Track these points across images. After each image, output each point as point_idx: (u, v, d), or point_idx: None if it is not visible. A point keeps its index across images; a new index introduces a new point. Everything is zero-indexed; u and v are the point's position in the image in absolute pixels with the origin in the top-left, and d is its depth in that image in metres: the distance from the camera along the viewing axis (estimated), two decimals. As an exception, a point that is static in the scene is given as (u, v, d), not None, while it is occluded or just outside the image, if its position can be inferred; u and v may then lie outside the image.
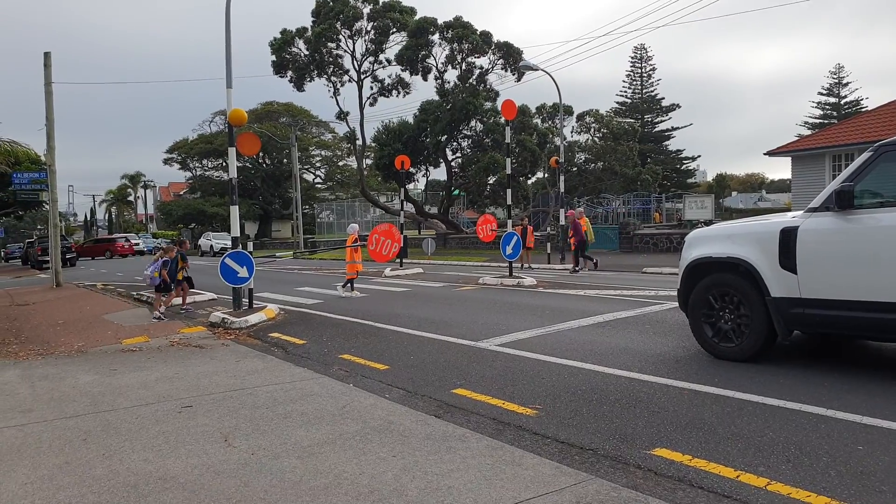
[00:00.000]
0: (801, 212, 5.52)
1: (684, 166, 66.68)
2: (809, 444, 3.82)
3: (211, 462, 3.90)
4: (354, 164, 49.46)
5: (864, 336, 5.57)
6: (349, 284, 13.16)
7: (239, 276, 9.97)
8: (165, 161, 62.75)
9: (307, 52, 35.51)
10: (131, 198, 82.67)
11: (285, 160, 54.84)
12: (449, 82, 35.22)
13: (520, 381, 5.56)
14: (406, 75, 35.67)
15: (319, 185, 64.97)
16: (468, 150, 37.33)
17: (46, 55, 19.46)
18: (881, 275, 4.82)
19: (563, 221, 23.18)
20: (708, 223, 25.60)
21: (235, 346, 7.98)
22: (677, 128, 65.12)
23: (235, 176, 10.79)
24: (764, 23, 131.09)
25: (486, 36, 33.61)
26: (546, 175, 38.36)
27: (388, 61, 35.56)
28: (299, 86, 36.60)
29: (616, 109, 62.53)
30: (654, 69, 64.79)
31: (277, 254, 35.30)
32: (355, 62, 35.85)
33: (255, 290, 11.27)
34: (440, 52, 34.38)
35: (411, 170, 35.64)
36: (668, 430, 4.19)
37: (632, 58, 64.50)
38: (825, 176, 21.48)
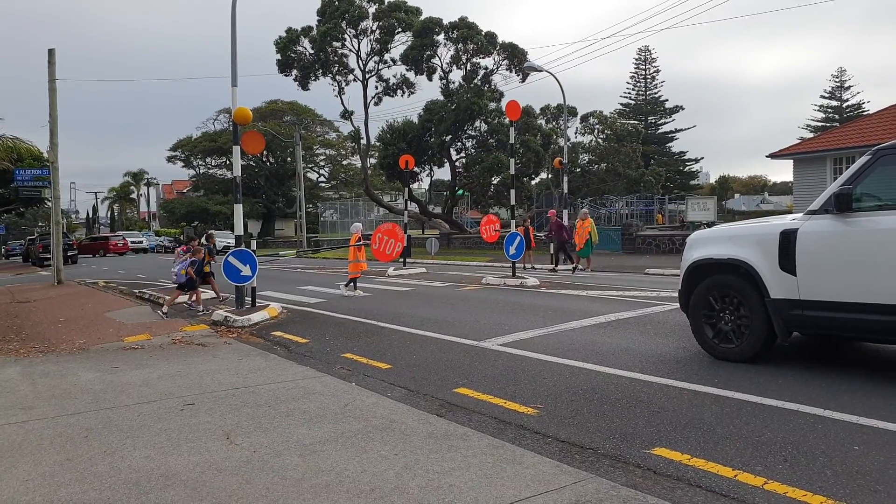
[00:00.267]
0: (801, 214, 5.54)
1: (687, 168, 66.58)
2: (806, 444, 3.85)
3: (213, 459, 3.94)
4: (358, 164, 49.54)
5: (862, 338, 5.58)
6: (352, 283, 13.20)
7: (242, 274, 10.01)
8: (169, 159, 63.06)
9: (312, 51, 35.58)
10: (134, 195, 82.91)
11: (289, 159, 54.94)
12: (454, 82, 35.28)
13: (521, 381, 5.59)
14: (411, 75, 35.75)
15: (323, 184, 65.09)
16: (472, 151, 37.37)
17: (50, 52, 19.53)
18: (879, 277, 4.84)
19: (566, 222, 23.21)
20: (710, 225, 25.57)
21: (238, 345, 8.02)
22: (681, 130, 65.06)
23: (240, 174, 10.84)
24: (767, 26, 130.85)
25: (490, 37, 33.64)
26: (550, 176, 38.39)
27: (394, 61, 35.63)
28: (304, 85, 36.68)
29: (620, 111, 62.48)
30: (658, 71, 64.73)
31: (280, 252, 35.39)
32: (360, 61, 35.94)
33: (258, 288, 11.31)
34: (445, 53, 34.46)
35: (415, 169, 35.70)
36: (667, 429, 4.22)
37: (636, 59, 64.46)
38: (826, 178, 21.45)
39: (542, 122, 37.27)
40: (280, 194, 59.24)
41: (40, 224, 63.19)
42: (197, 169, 62.85)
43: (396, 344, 7.57)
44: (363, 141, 38.52)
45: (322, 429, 4.47)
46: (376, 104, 37.12)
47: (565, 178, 23.89)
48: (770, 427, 4.16)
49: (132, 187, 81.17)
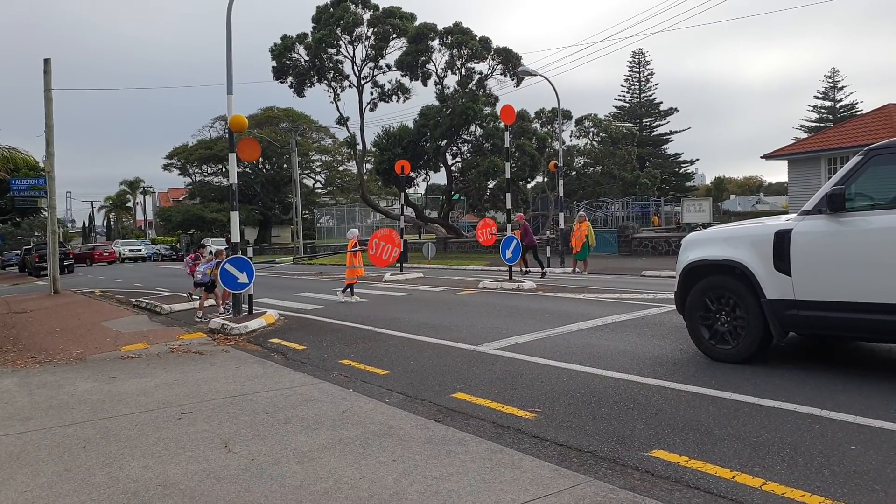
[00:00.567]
0: (795, 215, 5.57)
1: (682, 170, 66.78)
2: (804, 445, 3.86)
3: (211, 468, 3.93)
4: (354, 169, 49.57)
5: (858, 337, 5.61)
6: (349, 289, 13.20)
7: (239, 281, 10.00)
8: (165, 167, 62.93)
9: (307, 58, 35.64)
10: (130, 204, 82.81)
11: (285, 165, 54.95)
12: (449, 87, 35.37)
13: (519, 385, 5.59)
14: (406, 81, 35.83)
15: (319, 190, 65.07)
16: (468, 155, 37.44)
17: (46, 62, 19.53)
18: (873, 276, 4.86)
19: (562, 225, 23.28)
20: (706, 226, 25.63)
21: (235, 352, 8.01)
22: (675, 131, 65.27)
23: (236, 182, 10.83)
24: (761, 27, 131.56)
25: (485, 42, 33.77)
26: (545, 179, 38.48)
27: (389, 67, 35.72)
28: (299, 91, 36.73)
29: (614, 114, 62.70)
30: (652, 73, 64.98)
31: (277, 259, 35.35)
32: (355, 68, 36.02)
33: (255, 295, 11.30)
34: (440, 58, 34.57)
35: (411, 174, 35.73)
36: (665, 431, 4.23)
37: (630, 62, 64.71)
38: (821, 179, 21.56)
39: (538, 125, 37.42)
40: (276, 201, 59.19)
41: (36, 234, 63.01)
42: (193, 177, 62.75)
43: (394, 349, 7.57)
44: (359, 147, 38.56)
45: (320, 436, 4.47)
46: (372, 110, 37.21)
47: (561, 182, 23.95)
48: (767, 428, 4.18)
49: (128, 196, 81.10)
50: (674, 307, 7.02)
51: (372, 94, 36.68)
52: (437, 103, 35.45)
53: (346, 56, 35.71)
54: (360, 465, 3.85)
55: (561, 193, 23.87)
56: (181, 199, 67.46)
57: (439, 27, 33.86)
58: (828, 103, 65.53)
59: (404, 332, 8.64)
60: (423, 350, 7.44)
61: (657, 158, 62.92)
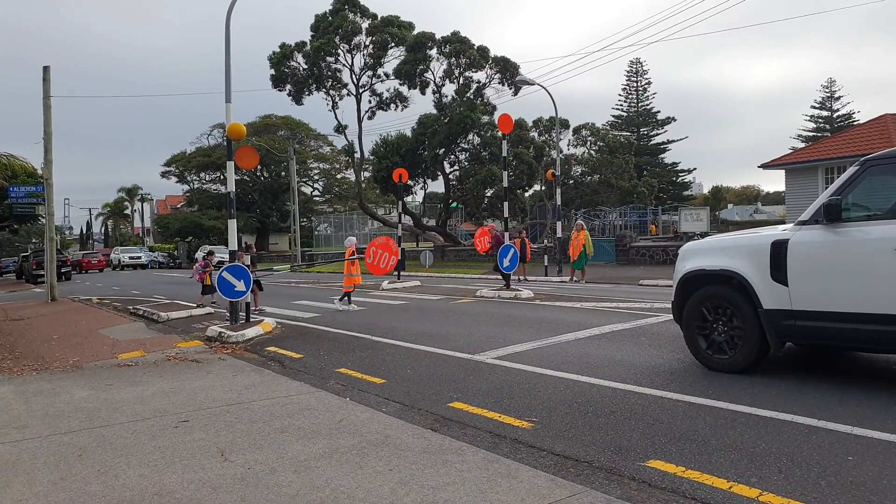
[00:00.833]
0: (792, 225, 5.59)
1: (680, 179, 67.00)
2: (801, 455, 3.86)
3: (207, 477, 3.92)
4: (352, 177, 49.68)
5: (854, 347, 5.62)
6: (346, 298, 13.19)
7: (236, 289, 9.99)
8: (163, 174, 62.96)
9: (306, 66, 35.80)
10: (128, 211, 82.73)
11: (283, 173, 55.03)
12: (447, 96, 35.53)
13: (516, 394, 5.59)
14: (404, 89, 36.00)
15: (317, 198, 65.11)
16: (466, 163, 37.55)
17: (45, 69, 19.58)
18: (869, 287, 4.88)
19: (559, 234, 23.33)
20: (703, 235, 25.71)
21: (232, 361, 7.99)
22: (673, 141, 65.55)
23: (234, 190, 10.85)
24: (758, 37, 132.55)
25: (483, 51, 33.96)
26: (543, 188, 38.55)
27: (387, 75, 35.89)
28: (298, 99, 36.86)
29: (612, 123, 62.98)
30: (649, 83, 65.37)
31: (275, 267, 35.32)
32: (354, 76, 36.18)
33: (252, 303, 11.28)
34: (438, 67, 34.75)
35: (409, 182, 35.81)
36: (662, 441, 4.22)
37: (627, 72, 65.09)
38: (818, 188, 21.65)
39: (535, 134, 37.53)
40: (274, 208, 59.20)
41: (34, 241, 62.85)
42: (191, 184, 62.79)
43: (391, 358, 7.56)
44: (357, 155, 38.67)
45: (317, 445, 4.45)
46: (370, 118, 37.36)
47: (558, 190, 24.02)
48: (764, 438, 4.18)
49: (126, 203, 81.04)
50: (671, 317, 7.04)
51: (370, 102, 36.89)
52: (435, 112, 35.60)
53: (344, 64, 35.93)
54: (356, 475, 3.84)
55: (558, 202, 23.93)
56: (179, 206, 67.46)
57: (437, 36, 34.07)
58: (825, 113, 65.95)
59: (402, 341, 8.63)
60: (420, 359, 7.43)
61: (655, 167, 63.14)
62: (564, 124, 37.46)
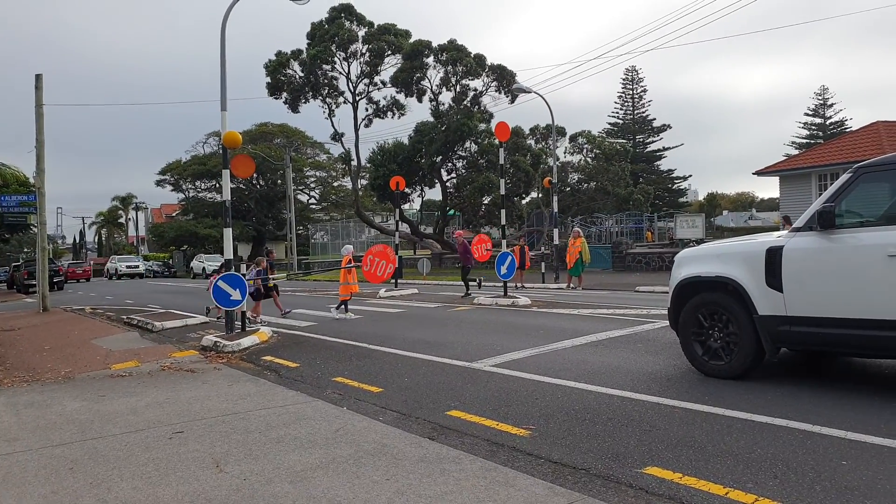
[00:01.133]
0: (786, 231, 5.62)
1: (676, 186, 67.25)
2: (796, 460, 3.87)
3: (202, 489, 3.89)
4: (349, 185, 49.64)
5: (849, 352, 5.64)
6: (343, 306, 13.16)
7: (232, 298, 9.96)
8: (158, 182, 62.82)
9: (302, 74, 35.88)
10: (122, 220, 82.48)
11: (279, 181, 54.97)
12: (443, 104, 35.64)
13: (514, 402, 5.58)
14: (401, 97, 36.11)
15: (314, 206, 65.07)
16: (463, 171, 37.61)
17: (38, 77, 19.57)
18: (863, 292, 4.91)
19: (556, 241, 23.37)
20: (699, 242, 25.77)
21: (228, 370, 7.95)
22: (668, 148, 65.81)
23: (230, 198, 10.83)
24: (753, 45, 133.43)
25: (479, 59, 34.10)
26: (540, 195, 38.63)
27: (383, 83, 35.99)
28: (294, 107, 36.93)
29: (608, 130, 63.27)
30: (645, 90, 65.69)
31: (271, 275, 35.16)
32: (350, 84, 36.27)
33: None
34: (435, 75, 34.87)
35: (406, 190, 35.85)
36: (659, 448, 4.22)
37: (623, 79, 65.39)
38: (812, 194, 21.77)
39: (532, 142, 37.65)
40: (270, 217, 59.13)
41: (26, 250, 62.62)
42: (186, 192, 62.66)
43: (388, 367, 7.54)
44: (354, 162, 38.69)
45: (313, 455, 4.43)
46: (367, 126, 37.43)
47: (555, 198, 24.09)
48: (760, 444, 4.18)
49: (120, 212, 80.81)
50: (667, 323, 7.05)
51: (367, 110, 36.97)
52: (431, 119, 35.70)
53: (340, 72, 36.01)
54: (353, 485, 3.82)
55: (555, 209, 23.99)
56: (174, 214, 67.33)
57: (434, 44, 34.21)
58: (818, 120, 66.38)
59: (399, 349, 8.61)
60: (417, 367, 7.41)
61: (650, 174, 63.37)
62: (561, 132, 37.61)
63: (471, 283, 17.55)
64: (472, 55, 33.90)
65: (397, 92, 35.72)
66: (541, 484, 3.72)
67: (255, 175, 55.14)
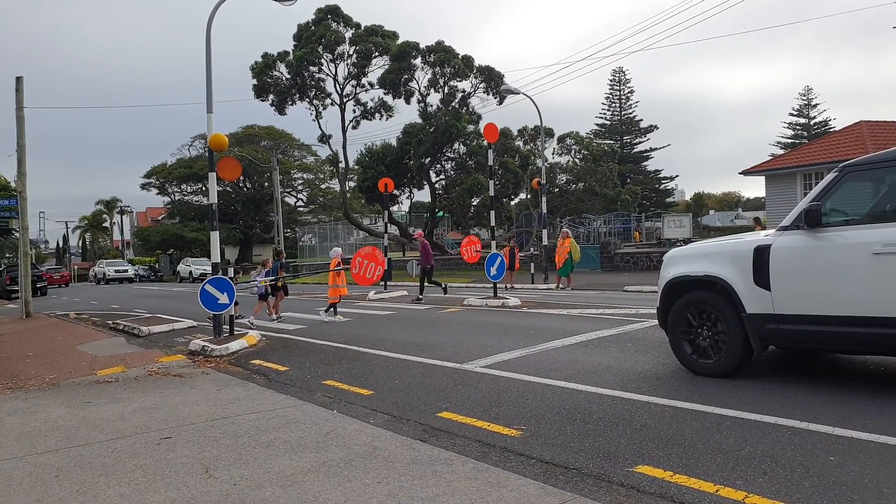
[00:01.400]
0: (774, 230, 5.67)
1: (663, 186, 67.77)
2: (784, 457, 3.90)
3: (191, 495, 3.85)
4: (337, 187, 49.51)
5: (835, 349, 5.69)
6: (332, 309, 13.10)
7: (219, 302, 9.88)
8: (143, 186, 62.15)
9: (289, 76, 35.73)
10: (107, 224, 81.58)
11: (266, 184, 54.67)
12: (432, 105, 35.65)
13: (505, 403, 5.58)
14: (389, 98, 36.07)
15: (301, 209, 64.78)
16: (452, 172, 37.63)
17: (18, 80, 19.34)
18: (849, 290, 4.96)
19: (545, 242, 23.45)
20: (686, 242, 25.97)
21: (216, 374, 7.89)
22: (655, 148, 66.33)
23: (216, 201, 10.75)
24: (738, 46, 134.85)
25: (467, 60, 34.15)
26: (528, 196, 38.74)
27: (371, 85, 35.93)
28: (281, 109, 36.76)
29: (596, 131, 63.67)
30: (632, 91, 66.17)
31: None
32: (338, 86, 36.17)
33: (236, 315, 11.17)
34: (423, 76, 34.88)
35: (395, 192, 35.82)
36: (649, 446, 4.24)
37: (610, 81, 65.84)
38: (797, 193, 22.02)
39: (520, 143, 37.76)
40: (257, 219, 58.78)
41: (7, 255, 61.69)
42: (172, 196, 62.11)
43: (378, 369, 7.52)
44: (341, 164, 38.59)
45: (304, 458, 4.40)
46: (354, 128, 37.34)
47: (544, 199, 24.17)
48: (749, 441, 4.21)
49: (105, 215, 79.92)
50: (656, 322, 7.09)
51: (354, 111, 36.89)
52: (420, 121, 35.69)
53: (328, 74, 35.90)
54: (344, 488, 3.80)
55: (544, 210, 24.07)
56: (160, 218, 66.72)
57: (422, 45, 34.22)
58: (802, 120, 67.22)
59: (389, 352, 8.59)
60: (407, 369, 7.39)
61: (638, 175, 63.81)
62: (549, 133, 37.75)
63: (427, 286, 16.79)
64: (459, 56, 33.96)
65: (385, 93, 35.70)
66: (533, 484, 3.72)
67: (241, 178, 54.82)
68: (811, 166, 21.92)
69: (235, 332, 10.48)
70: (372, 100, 36.56)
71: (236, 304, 13.75)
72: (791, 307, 5.26)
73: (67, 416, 6.05)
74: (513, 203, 41.10)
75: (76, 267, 70.37)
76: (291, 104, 36.60)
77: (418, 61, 34.33)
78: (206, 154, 10.66)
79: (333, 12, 34.90)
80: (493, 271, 14.45)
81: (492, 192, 16.57)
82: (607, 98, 66.25)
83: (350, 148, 52.82)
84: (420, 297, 16.45)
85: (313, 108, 36.38)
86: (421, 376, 6.94)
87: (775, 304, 5.33)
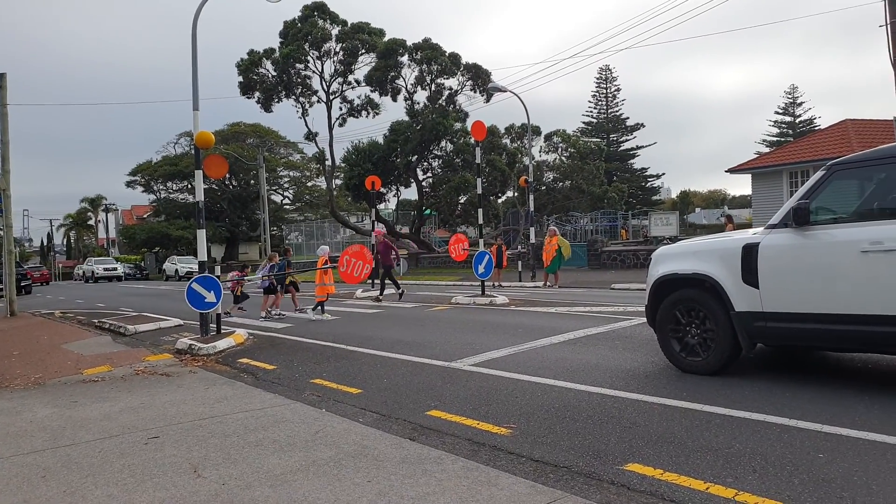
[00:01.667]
0: (762, 228, 5.71)
1: (649, 184, 68.22)
2: (774, 454, 3.92)
3: (179, 495, 3.80)
4: (324, 185, 49.21)
5: (823, 347, 5.76)
6: (320, 307, 13.04)
7: (206, 301, 9.78)
8: (128, 184, 61.37)
9: (275, 73, 35.46)
10: (92, 222, 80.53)
11: (252, 181, 54.24)
12: (419, 103, 35.55)
13: (494, 401, 5.57)
14: (375, 96, 35.90)
15: (288, 206, 64.37)
16: (439, 170, 37.58)
17: (1, 76, 19.02)
18: (836, 288, 5.01)
19: (533, 240, 23.49)
20: (673, 239, 26.18)
21: (203, 373, 7.81)
22: (642, 146, 66.76)
23: (202, 199, 10.63)
24: (724, 45, 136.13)
25: (454, 58, 34.10)
26: (516, 194, 38.84)
27: (358, 82, 35.75)
28: (267, 107, 36.47)
29: (582, 129, 63.93)
30: (618, 90, 66.52)
31: (246, 277, 34.74)
32: (324, 83, 35.93)
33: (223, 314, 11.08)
34: (410, 74, 34.77)
35: (382, 190, 35.67)
36: (639, 444, 4.25)
37: (597, 79, 66.17)
38: (783, 192, 22.25)
39: (507, 141, 37.82)
40: (244, 217, 58.31)
41: (-9, 253, 60.68)
42: (158, 193, 61.41)
43: (367, 368, 7.48)
44: (328, 162, 38.38)
45: (293, 457, 4.37)
46: (341, 125, 37.14)
47: (531, 196, 24.21)
48: (738, 438, 4.24)
49: (90, 213, 78.87)
50: (644, 320, 7.12)
51: (341, 109, 36.68)
52: (407, 119, 35.59)
53: (314, 71, 35.67)
54: (334, 488, 3.77)
55: (531, 208, 24.12)
56: (145, 216, 65.98)
57: (409, 43, 34.12)
58: (788, 118, 67.97)
59: (377, 350, 8.55)
60: (396, 368, 7.37)
61: (624, 173, 64.19)
62: (536, 131, 37.82)
63: (388, 291, 16.32)
64: (446, 54, 33.90)
65: (371, 91, 35.53)
66: (523, 483, 3.71)
67: (227, 175, 54.28)
68: (797, 164, 22.17)
69: (223, 331, 10.39)
70: (359, 97, 36.43)
71: (242, 302, 14.15)
72: (779, 305, 5.30)
73: (54, 416, 5.96)
74: (500, 201, 41.16)
75: (61, 265, 69.42)
76: (278, 101, 36.32)
77: (405, 59, 34.23)
78: (192, 151, 10.54)
79: (320, 9, 34.69)
80: (481, 269, 14.45)
81: (479, 190, 16.56)
82: (594, 96, 66.60)
83: (337, 145, 52.70)
84: (380, 297, 16.07)
85: (300, 106, 36.14)
86: (410, 375, 6.92)
87: (763, 302, 5.37)
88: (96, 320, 14.57)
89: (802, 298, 5.17)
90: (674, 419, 4.73)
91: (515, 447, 4.36)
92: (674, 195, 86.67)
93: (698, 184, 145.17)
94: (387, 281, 16.60)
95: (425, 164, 37.36)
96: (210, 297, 9.78)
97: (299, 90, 35.73)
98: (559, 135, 40.32)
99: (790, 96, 67.86)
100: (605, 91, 65.99)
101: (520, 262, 22.81)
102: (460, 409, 5.36)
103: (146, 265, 55.55)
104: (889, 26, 15.02)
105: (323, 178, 46.27)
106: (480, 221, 16.75)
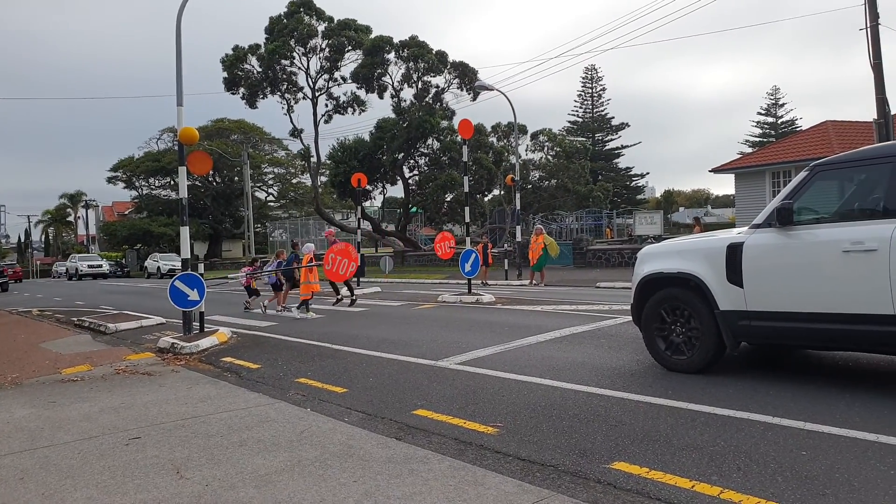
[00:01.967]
0: (746, 228, 5.76)
1: (634, 183, 68.74)
2: (758, 452, 3.96)
3: (162, 496, 3.74)
4: (309, 182, 48.89)
5: (806, 345, 5.82)
6: (304, 305, 12.95)
7: (189, 299, 9.66)
8: (109, 180, 60.42)
9: (260, 69, 35.15)
10: (71, 218, 79.29)
11: (237, 178, 53.78)
12: (405, 100, 35.46)
13: (480, 400, 5.56)
14: (362, 93, 35.76)
15: (272, 203, 63.90)
16: (425, 168, 37.53)
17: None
18: (819, 287, 5.07)
19: (519, 238, 23.56)
20: (658, 238, 26.40)
21: (186, 373, 7.71)
22: (627, 146, 67.25)
23: (186, 196, 10.49)
24: (708, 45, 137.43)
25: (441, 55, 34.05)
26: (502, 192, 38.89)
27: (344, 79, 35.57)
28: (252, 103, 36.15)
29: (568, 128, 64.20)
30: (604, 89, 66.92)
31: (230, 275, 34.44)
32: (310, 79, 35.71)
33: (206, 312, 10.96)
34: (396, 71, 34.66)
35: (368, 187, 35.54)
36: (625, 443, 4.27)
37: (583, 78, 66.46)
38: (765, 191, 22.53)
39: (494, 139, 37.85)
40: (227, 214, 57.77)
41: (-33, 251, 59.57)
42: (140, 190, 60.57)
43: (352, 366, 7.44)
44: (313, 159, 38.14)
45: (277, 458, 4.32)
46: (326, 122, 36.92)
47: (517, 195, 24.26)
48: (723, 436, 4.27)
49: (69, 210, 77.64)
50: (629, 318, 7.16)
51: (327, 106, 36.48)
52: (393, 116, 35.49)
53: (300, 67, 35.42)
54: (319, 488, 3.73)
55: (518, 207, 24.17)
56: (127, 212, 65.08)
57: (395, 40, 34.01)
58: (770, 119, 68.86)
59: (363, 349, 8.51)
60: (382, 367, 7.33)
61: (609, 172, 64.60)
62: (523, 130, 37.91)
63: (346, 294, 14.71)
64: (433, 52, 33.85)
65: (358, 88, 35.39)
66: (510, 482, 3.71)
67: (211, 172, 53.71)
68: (780, 164, 22.45)
69: (206, 329, 10.27)
70: (344, 94, 36.25)
71: (251, 298, 14.47)
72: (763, 304, 5.35)
73: (31, 417, 5.84)
74: (486, 199, 41.21)
75: (39, 262, 68.26)
76: (263, 98, 36.02)
77: (392, 56, 34.11)
78: (175, 147, 10.40)
79: (306, 5, 34.44)
80: (468, 268, 14.45)
81: (466, 189, 16.56)
82: (580, 95, 66.91)
83: (322, 142, 52.39)
84: (341, 297, 14.62)
85: (285, 102, 35.86)
86: (396, 374, 6.89)
87: (748, 300, 5.42)
88: (75, 318, 14.33)
89: (786, 297, 5.23)
90: (659, 417, 4.76)
91: (502, 446, 4.36)
92: (658, 194, 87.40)
93: (682, 183, 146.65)
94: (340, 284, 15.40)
95: (412, 161, 37.30)
96: (193, 294, 9.66)
97: (285, 86, 35.46)
98: (545, 134, 40.44)
99: (772, 97, 68.78)
100: (590, 91, 66.36)
101: (506, 261, 22.85)
102: (447, 409, 5.34)
103: (127, 262, 54.76)
104: (869, 29, 15.26)
105: (308, 175, 46.02)
106: (467, 220, 16.75)
